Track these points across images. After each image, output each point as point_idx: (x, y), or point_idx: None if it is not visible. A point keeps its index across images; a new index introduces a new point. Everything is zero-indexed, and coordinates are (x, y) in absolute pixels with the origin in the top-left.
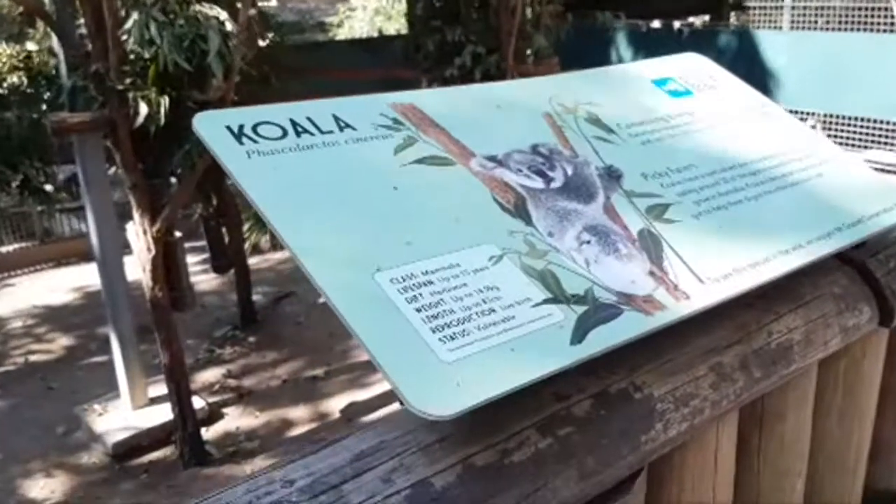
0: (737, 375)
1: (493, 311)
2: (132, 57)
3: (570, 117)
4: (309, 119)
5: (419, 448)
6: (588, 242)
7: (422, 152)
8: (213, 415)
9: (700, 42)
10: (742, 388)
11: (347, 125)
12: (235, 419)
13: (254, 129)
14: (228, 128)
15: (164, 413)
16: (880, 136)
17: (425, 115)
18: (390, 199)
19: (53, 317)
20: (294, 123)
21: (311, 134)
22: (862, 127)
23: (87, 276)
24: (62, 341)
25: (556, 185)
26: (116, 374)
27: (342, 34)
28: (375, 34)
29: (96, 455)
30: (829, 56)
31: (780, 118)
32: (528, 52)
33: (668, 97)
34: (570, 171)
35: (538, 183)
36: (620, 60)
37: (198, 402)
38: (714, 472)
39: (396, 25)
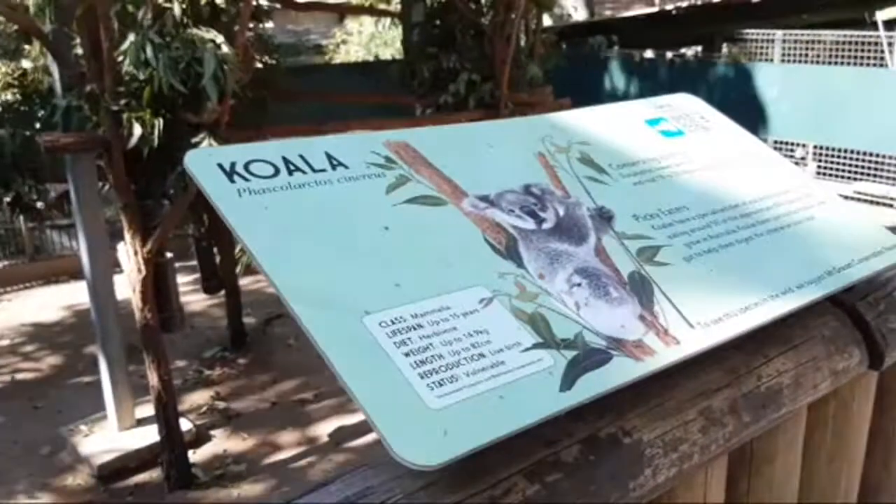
0: (726, 420)
1: (483, 355)
2: (127, 78)
3: (563, 157)
4: (301, 157)
5: (405, 495)
6: (579, 285)
7: (414, 192)
8: (201, 437)
9: (692, 73)
10: (731, 432)
11: (340, 163)
12: (223, 442)
13: (245, 167)
14: (220, 165)
15: (151, 434)
16: (869, 167)
17: (418, 153)
18: (380, 240)
19: (42, 335)
20: (286, 161)
21: (304, 172)
22: (851, 159)
23: (77, 294)
24: (50, 360)
25: (547, 225)
26: (104, 394)
27: (339, 58)
28: (371, 59)
29: (81, 476)
30: (819, 88)
31: (772, 160)
32: (522, 80)
33: (660, 137)
34: (561, 212)
35: (529, 224)
36: (613, 89)
37: (185, 424)
38: None
39: (392, 51)
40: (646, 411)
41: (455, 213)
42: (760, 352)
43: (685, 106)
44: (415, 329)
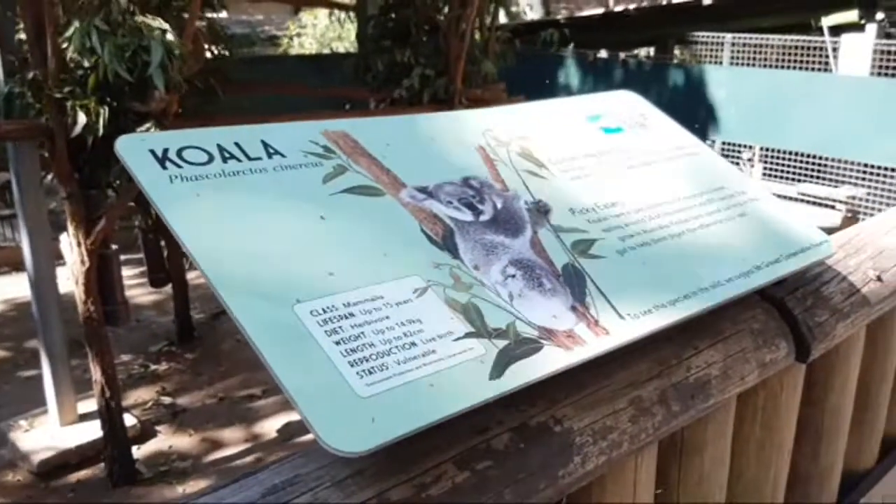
0: (656, 409)
1: (414, 344)
2: (72, 65)
3: (503, 150)
4: (237, 145)
5: (333, 483)
6: (513, 276)
7: (351, 182)
8: (146, 433)
9: (644, 74)
10: (660, 421)
11: (276, 152)
12: (168, 438)
13: (178, 153)
14: (152, 151)
15: (93, 430)
16: (812, 170)
17: (358, 143)
18: (315, 229)
19: None
20: (221, 149)
21: (238, 160)
22: (796, 161)
23: (18, 286)
24: None
25: (484, 218)
26: (45, 389)
27: (294, 50)
28: (326, 51)
29: (21, 473)
30: (766, 92)
31: (709, 158)
32: (476, 76)
33: (600, 133)
34: (499, 205)
35: (467, 216)
36: (567, 88)
37: (130, 420)
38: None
39: (346, 44)
40: (577, 400)
41: (392, 203)
42: (691, 343)
43: (626, 103)
44: (347, 318)
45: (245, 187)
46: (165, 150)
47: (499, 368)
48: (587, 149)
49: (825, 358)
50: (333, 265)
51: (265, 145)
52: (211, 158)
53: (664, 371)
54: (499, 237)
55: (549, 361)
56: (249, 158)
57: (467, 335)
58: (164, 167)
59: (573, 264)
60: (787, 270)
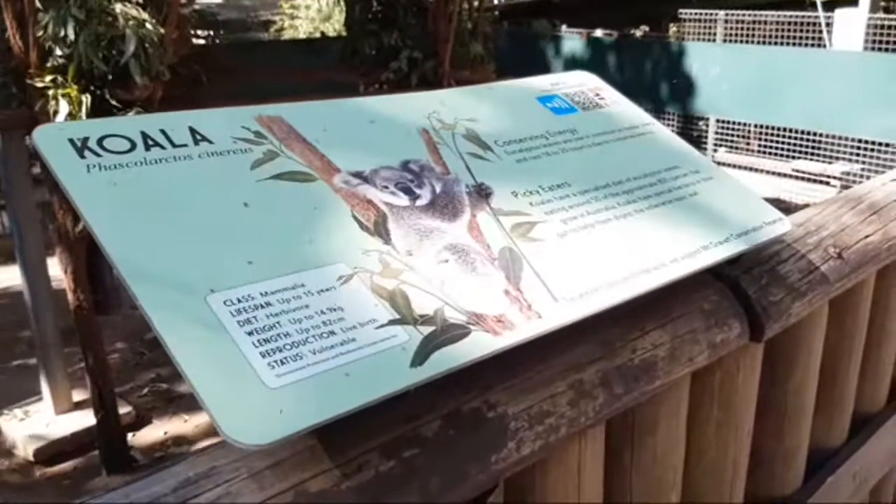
0: (597, 392)
1: (333, 333)
2: (56, 53)
3: (448, 133)
4: (162, 132)
5: (250, 474)
6: (446, 261)
7: (281, 168)
8: (141, 419)
9: (636, 52)
10: (602, 404)
11: (204, 138)
12: (164, 424)
13: (99, 142)
14: (71, 141)
15: (88, 418)
16: (807, 146)
17: (292, 129)
18: (237, 217)
19: None
20: (145, 136)
21: (162, 147)
22: (791, 137)
23: (10, 276)
24: None
25: (421, 202)
26: (39, 377)
27: (287, 34)
28: (318, 35)
29: (16, 461)
30: (760, 69)
31: (663, 136)
32: (465, 58)
33: (550, 114)
34: (438, 189)
35: (403, 200)
36: (559, 68)
37: (125, 407)
38: (578, 487)
39: (337, 27)
40: (513, 385)
41: (324, 189)
42: (637, 325)
43: (582, 83)
44: (263, 307)
45: (166, 175)
46: (85, 140)
47: (421, 355)
48: (536, 130)
49: (786, 336)
50: (254, 253)
51: (192, 132)
52: (133, 146)
53: (607, 353)
54: (435, 222)
55: (475, 347)
56: (174, 145)
57: (391, 322)
58: (83, 156)
59: (510, 248)
60: (736, 250)
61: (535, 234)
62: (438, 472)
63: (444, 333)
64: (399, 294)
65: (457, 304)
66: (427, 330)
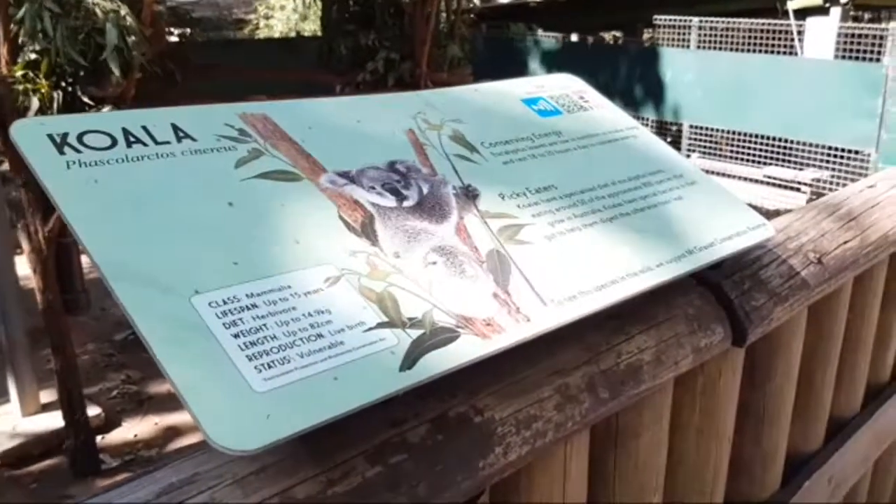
0: (583, 396)
1: (321, 336)
2: (27, 49)
3: (434, 134)
4: (144, 128)
5: (234, 480)
6: (434, 263)
7: (267, 166)
8: (110, 422)
9: (611, 57)
10: (588, 408)
11: (187, 136)
12: (133, 426)
13: (79, 138)
14: (50, 136)
15: (56, 420)
16: (778, 152)
17: (278, 127)
18: (222, 216)
19: None
20: (126, 133)
21: (144, 144)
22: (762, 144)
23: None
24: None
25: (408, 203)
26: (6, 378)
27: (261, 33)
28: (293, 34)
29: None
30: (732, 75)
31: (647, 140)
32: (443, 60)
33: (536, 116)
34: (425, 190)
35: (390, 201)
36: (536, 71)
37: (94, 409)
38: (563, 492)
39: (313, 26)
40: (500, 389)
41: (310, 189)
42: (622, 330)
43: (566, 86)
44: (249, 309)
45: (148, 173)
46: (65, 135)
47: (410, 359)
48: (522, 132)
49: (766, 341)
50: (239, 254)
51: (175, 129)
52: (114, 143)
53: (593, 358)
54: (423, 223)
55: (464, 351)
56: (157, 143)
57: (379, 325)
58: (62, 152)
59: (498, 250)
60: (721, 254)
61: (522, 236)
62: (425, 478)
63: (434, 337)
64: (387, 296)
65: (445, 308)
66: (416, 333)
